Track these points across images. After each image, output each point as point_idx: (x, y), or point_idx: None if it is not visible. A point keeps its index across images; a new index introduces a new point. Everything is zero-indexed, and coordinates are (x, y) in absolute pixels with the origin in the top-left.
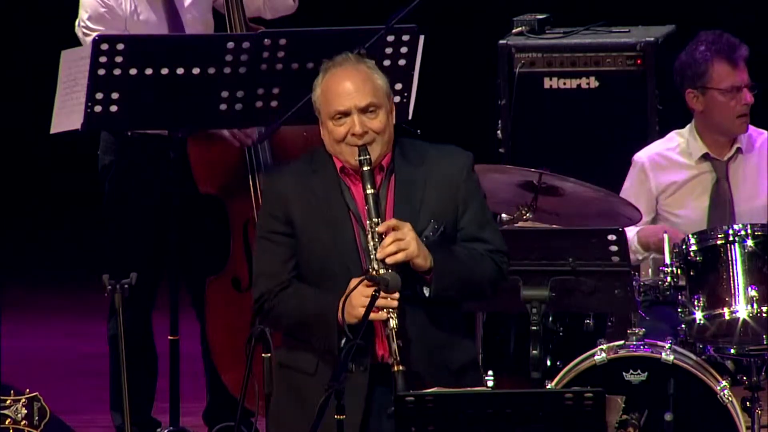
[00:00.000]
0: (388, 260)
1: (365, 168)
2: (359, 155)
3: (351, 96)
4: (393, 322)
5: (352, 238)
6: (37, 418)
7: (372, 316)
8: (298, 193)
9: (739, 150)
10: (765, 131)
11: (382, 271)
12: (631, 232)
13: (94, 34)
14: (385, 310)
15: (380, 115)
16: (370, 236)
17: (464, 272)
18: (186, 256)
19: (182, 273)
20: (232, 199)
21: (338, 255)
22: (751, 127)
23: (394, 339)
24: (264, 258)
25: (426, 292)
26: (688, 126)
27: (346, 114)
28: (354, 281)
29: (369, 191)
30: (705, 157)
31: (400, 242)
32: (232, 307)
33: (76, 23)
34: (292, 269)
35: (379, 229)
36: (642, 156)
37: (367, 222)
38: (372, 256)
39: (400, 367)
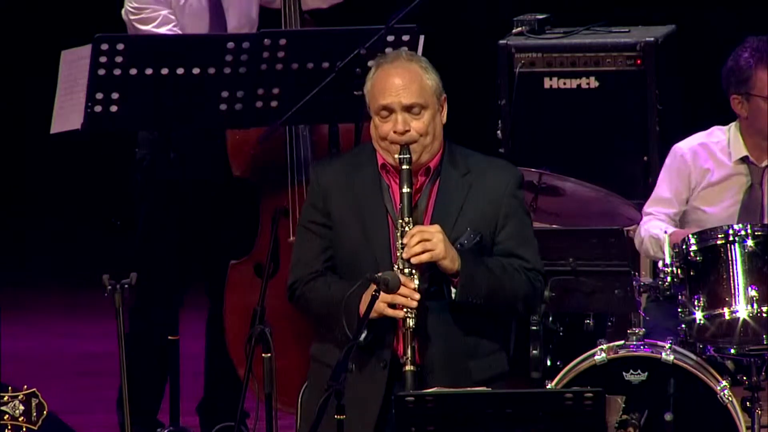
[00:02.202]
0: (413, 260)
1: (404, 167)
2: (400, 153)
3: (397, 92)
4: (410, 322)
5: (386, 236)
6: (35, 414)
7: (389, 313)
8: (339, 186)
9: None
10: None
11: (407, 271)
12: (658, 228)
13: (143, 14)
14: (403, 309)
15: (425, 116)
16: (398, 235)
17: (493, 281)
18: (211, 239)
19: (204, 256)
20: (264, 186)
21: (370, 251)
22: None
23: (409, 339)
24: (301, 247)
25: (453, 295)
26: (731, 125)
27: (390, 110)
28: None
29: (405, 190)
30: (743, 159)
31: (426, 243)
32: (251, 293)
33: (123, 11)
34: (326, 260)
35: (405, 240)
36: (683, 146)
37: (399, 221)
38: (398, 254)
39: (411, 368)
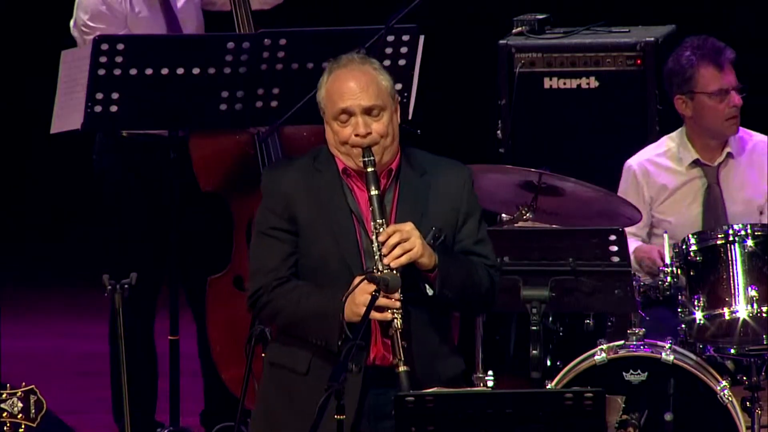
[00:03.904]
0: (394, 264)
1: (369, 169)
2: (363, 156)
3: (356, 96)
4: (398, 323)
5: (354, 239)
6: (33, 411)
7: (377, 316)
8: (302, 191)
9: (729, 155)
10: (755, 133)
11: (386, 271)
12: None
13: (95, 32)
14: (389, 310)
15: (384, 117)
16: (374, 237)
17: (465, 275)
18: (186, 255)
19: (181, 273)
20: (235, 197)
21: (340, 256)
22: (741, 129)
23: (399, 339)
24: (263, 253)
25: (429, 290)
26: (678, 131)
27: (350, 113)
28: (358, 278)
29: (373, 192)
30: (695, 163)
31: (404, 244)
32: (233, 306)
33: (71, 24)
34: (291, 266)
35: (381, 239)
36: (632, 163)
37: (372, 223)
38: (376, 257)
39: (405, 368)
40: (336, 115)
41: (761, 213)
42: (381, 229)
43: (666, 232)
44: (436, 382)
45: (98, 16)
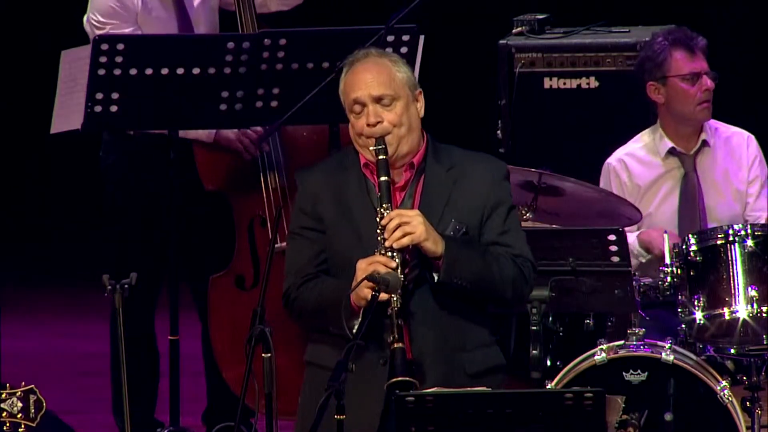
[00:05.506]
0: (395, 245)
1: (380, 157)
2: (375, 145)
3: (367, 85)
4: (396, 303)
5: (376, 234)
6: (33, 410)
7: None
8: (327, 190)
9: (704, 143)
10: (729, 126)
11: (388, 254)
12: (631, 235)
13: (107, 28)
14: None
15: (397, 107)
16: (378, 220)
17: (480, 264)
18: (189, 254)
19: (184, 272)
20: (237, 197)
21: (362, 249)
22: (714, 121)
23: (395, 318)
24: (293, 254)
25: (435, 277)
26: (653, 126)
27: (362, 104)
28: (360, 262)
29: (382, 179)
30: (672, 152)
31: (405, 226)
32: (235, 305)
33: (85, 19)
34: (319, 264)
35: (383, 222)
36: (611, 160)
37: (378, 209)
38: (379, 240)
39: (399, 345)
40: (350, 106)
41: (746, 203)
42: (385, 214)
43: (666, 232)
44: (464, 376)
45: (110, 14)
